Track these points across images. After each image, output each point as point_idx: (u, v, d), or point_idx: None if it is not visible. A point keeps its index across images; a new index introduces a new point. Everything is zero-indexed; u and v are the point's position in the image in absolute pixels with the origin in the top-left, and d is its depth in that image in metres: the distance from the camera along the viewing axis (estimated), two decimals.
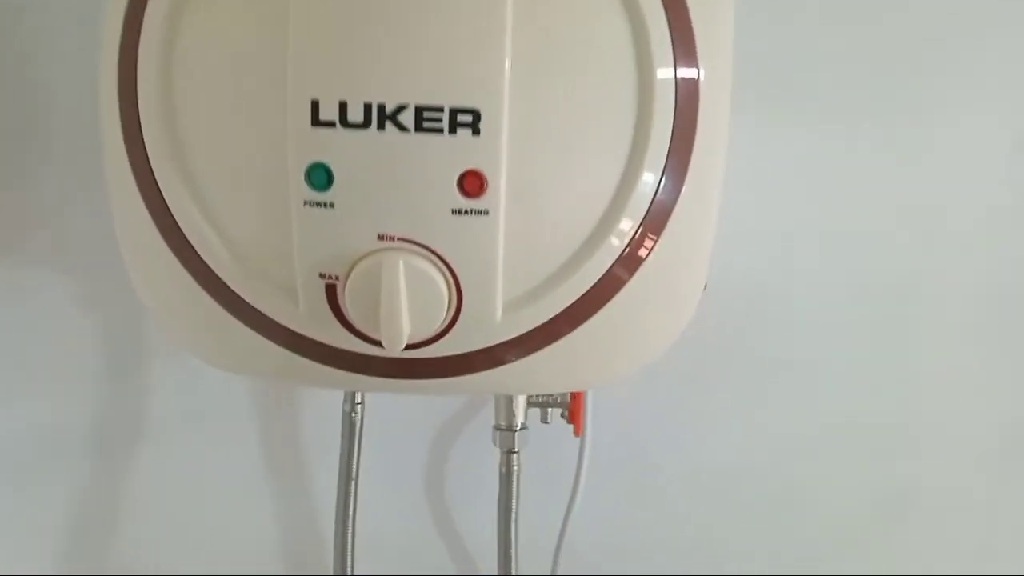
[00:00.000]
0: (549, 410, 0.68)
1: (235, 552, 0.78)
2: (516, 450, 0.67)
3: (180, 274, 0.47)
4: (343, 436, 0.69)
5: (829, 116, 0.72)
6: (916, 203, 0.73)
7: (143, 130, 0.45)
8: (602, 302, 0.47)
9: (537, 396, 0.68)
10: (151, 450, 0.77)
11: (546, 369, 0.49)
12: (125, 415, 0.77)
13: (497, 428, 0.67)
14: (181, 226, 0.45)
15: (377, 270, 0.43)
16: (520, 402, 0.67)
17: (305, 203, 0.43)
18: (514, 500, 0.68)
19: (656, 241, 0.46)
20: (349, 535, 0.69)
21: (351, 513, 0.69)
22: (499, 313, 0.45)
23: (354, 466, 0.69)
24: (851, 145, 0.73)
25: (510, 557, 0.69)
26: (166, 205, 0.45)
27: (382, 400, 0.74)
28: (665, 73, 0.44)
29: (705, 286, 0.53)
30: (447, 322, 0.45)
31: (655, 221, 0.46)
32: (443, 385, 0.48)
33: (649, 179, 0.44)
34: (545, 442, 0.71)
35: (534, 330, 0.47)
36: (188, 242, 0.46)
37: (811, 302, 0.76)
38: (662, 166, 0.44)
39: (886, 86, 0.71)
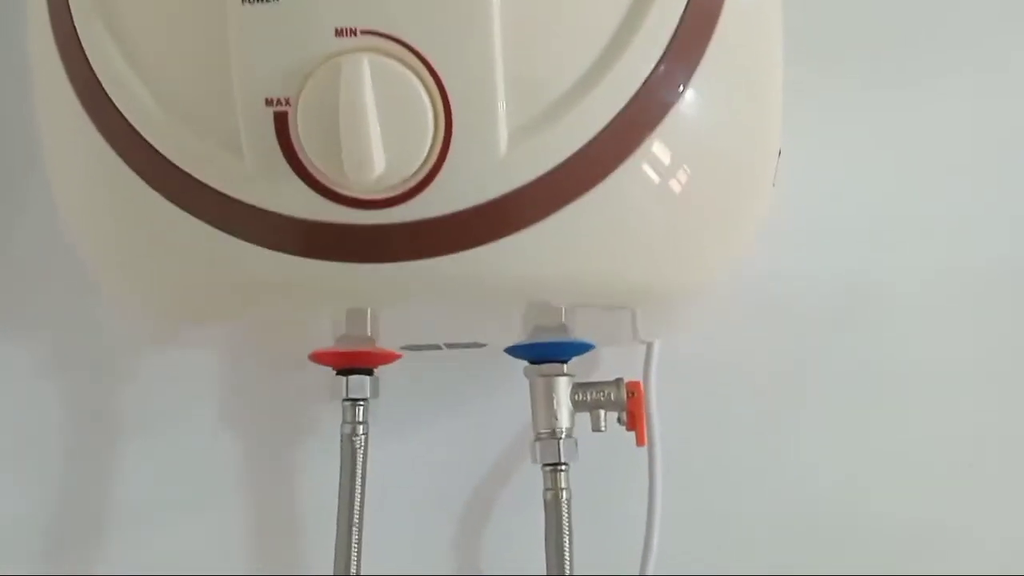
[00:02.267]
0: (602, 413, 0.53)
1: None
2: (563, 464, 0.51)
3: (97, 145, 0.36)
4: (342, 467, 0.54)
5: (925, 87, 0.63)
6: None
7: None
8: (646, 128, 0.34)
9: (584, 394, 0.53)
10: (111, 549, 0.62)
11: (575, 244, 0.36)
12: (82, 508, 0.63)
13: (537, 438, 0.52)
14: (96, 70, 0.36)
15: (335, 76, 0.32)
16: (563, 400, 0.52)
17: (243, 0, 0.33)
18: (566, 535, 0.51)
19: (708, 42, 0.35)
20: None
21: (354, 559, 0.52)
22: (503, 143, 0.34)
23: (356, 503, 0.53)
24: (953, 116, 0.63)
25: None
26: (80, 47, 0.36)
27: (390, 416, 0.60)
28: None
29: (779, 152, 0.41)
30: (434, 154, 0.33)
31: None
32: (434, 274, 0.35)
33: None
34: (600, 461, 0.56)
35: (555, 172, 0.34)
36: (104, 93, 0.36)
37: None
38: None
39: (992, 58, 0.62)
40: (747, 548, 0.59)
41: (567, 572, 0.51)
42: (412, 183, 0.33)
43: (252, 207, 0.35)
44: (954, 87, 0.63)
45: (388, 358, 0.54)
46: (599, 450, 0.56)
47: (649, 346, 0.58)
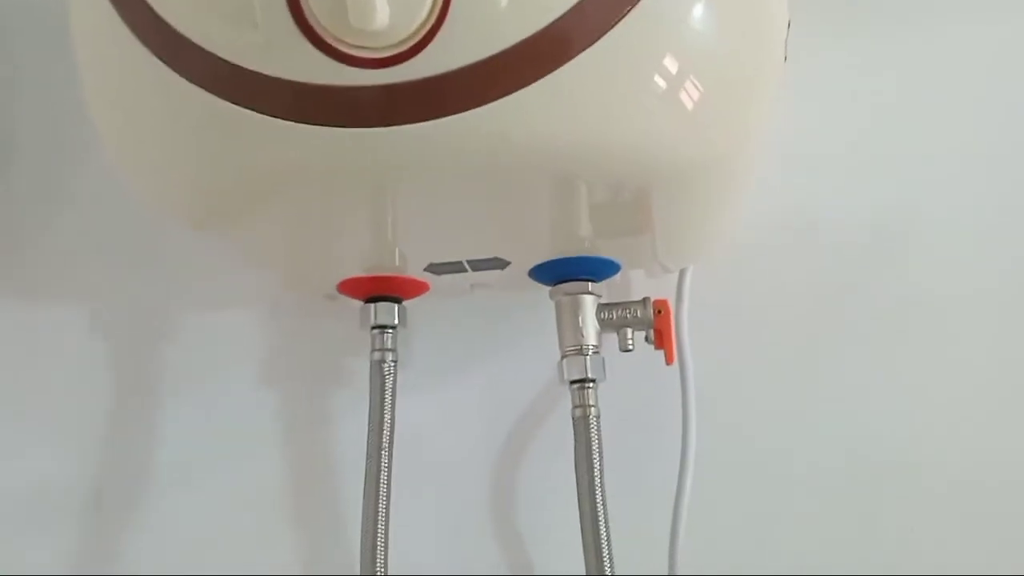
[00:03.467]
0: (629, 331, 0.52)
1: None
2: (590, 380, 0.51)
3: (111, 21, 0.38)
4: (372, 395, 0.54)
5: (953, 19, 0.62)
6: None
7: None
8: None
9: (610, 313, 0.52)
10: (153, 504, 0.63)
11: (581, 101, 0.36)
12: (126, 462, 0.64)
13: (563, 356, 0.52)
14: None
15: None
16: (589, 318, 0.52)
17: None
18: (596, 453, 0.50)
19: None
20: (380, 526, 0.51)
21: (383, 497, 0.52)
22: None
23: (385, 432, 0.53)
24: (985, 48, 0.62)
25: (600, 541, 0.49)
26: None
27: (421, 365, 0.60)
28: None
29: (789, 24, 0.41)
30: (437, 6, 0.34)
31: None
32: (443, 136, 0.36)
33: None
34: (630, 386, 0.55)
35: (557, 24, 0.35)
36: None
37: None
38: None
39: None
40: (780, 472, 0.58)
41: (597, 492, 0.50)
42: (416, 39, 0.34)
43: (265, 76, 0.36)
44: (985, 16, 0.62)
45: (415, 288, 0.54)
46: (631, 377, 0.56)
47: (681, 273, 0.57)
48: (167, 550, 0.61)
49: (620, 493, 0.52)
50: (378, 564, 0.51)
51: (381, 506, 0.51)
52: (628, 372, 0.55)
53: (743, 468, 0.58)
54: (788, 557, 0.57)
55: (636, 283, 0.59)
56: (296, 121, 0.37)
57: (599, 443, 0.50)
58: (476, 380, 0.62)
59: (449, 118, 0.36)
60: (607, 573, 0.49)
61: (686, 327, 0.57)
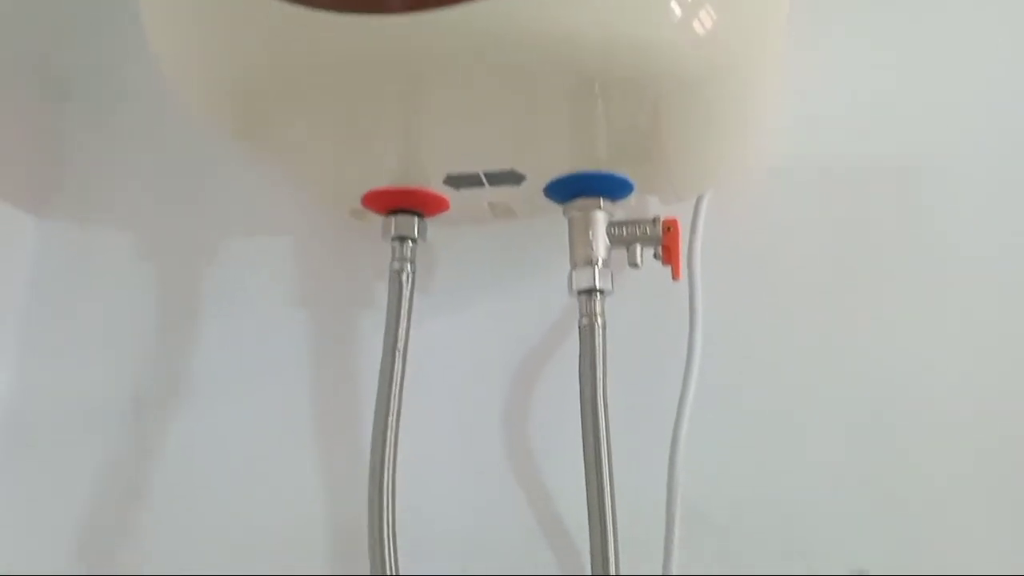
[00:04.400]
0: (638, 247, 0.54)
1: (273, 516, 0.63)
2: (598, 289, 0.53)
3: None
4: (389, 303, 0.57)
5: None
6: None
7: None
8: None
9: (621, 229, 0.54)
10: (189, 414, 0.67)
11: None
12: (165, 377, 0.68)
13: (573, 267, 0.54)
14: None
15: None
16: (600, 232, 0.53)
17: None
18: (599, 364, 0.52)
19: None
20: (390, 438, 0.54)
21: (394, 409, 0.54)
22: None
23: (400, 339, 0.56)
24: None
25: (600, 458, 0.51)
26: None
27: (437, 293, 0.63)
28: None
29: None
30: None
31: None
32: (466, 22, 0.39)
33: None
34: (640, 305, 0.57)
35: None
36: None
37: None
38: None
39: None
40: (783, 404, 0.58)
41: (600, 400, 0.51)
42: None
43: None
44: None
45: (435, 203, 0.57)
46: (640, 300, 0.57)
47: (698, 201, 0.59)
48: (199, 456, 0.65)
49: (623, 410, 0.54)
50: (387, 459, 0.53)
51: (393, 406, 0.54)
52: (637, 294, 0.58)
53: (745, 392, 0.58)
54: (789, 489, 0.57)
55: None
56: (325, 9, 0.39)
57: (603, 353, 0.52)
58: (493, 306, 0.64)
59: (475, 4, 0.38)
60: (605, 483, 0.50)
61: (699, 257, 0.58)
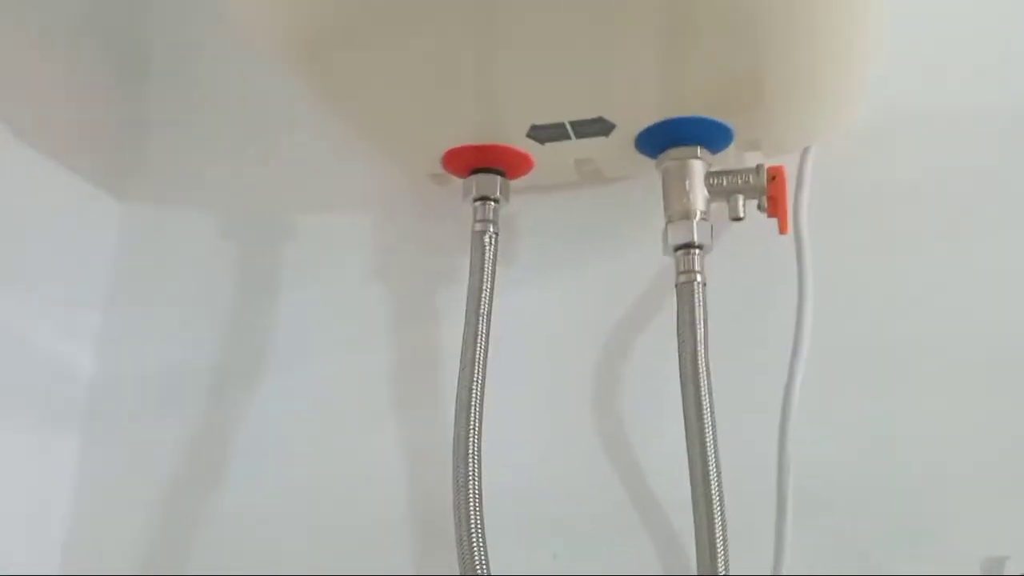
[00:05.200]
0: (740, 199, 0.50)
1: (355, 492, 0.60)
2: (696, 245, 0.48)
3: None
4: (472, 264, 0.54)
5: None
6: None
7: None
8: None
9: (720, 180, 0.50)
10: (270, 389, 0.65)
11: None
12: (246, 353, 0.67)
13: (668, 221, 0.50)
14: None
15: None
16: (697, 183, 0.49)
17: None
18: (700, 323, 0.48)
19: None
20: (475, 406, 0.50)
21: (478, 377, 0.51)
22: None
23: (484, 301, 0.52)
24: None
25: (704, 429, 0.46)
26: None
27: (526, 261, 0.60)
28: None
29: None
30: None
31: None
32: None
33: None
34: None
35: None
36: None
37: None
38: None
39: None
40: (899, 359, 0.53)
41: (700, 360, 0.47)
42: None
43: None
44: None
45: (518, 161, 0.53)
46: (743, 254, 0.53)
47: (804, 152, 0.54)
48: (279, 432, 0.63)
49: (726, 379, 0.50)
50: (472, 430, 0.50)
51: (477, 373, 0.51)
52: (736, 251, 0.53)
53: (860, 353, 0.53)
54: (912, 463, 0.52)
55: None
56: None
57: (703, 310, 0.48)
58: (580, 274, 0.61)
59: None
60: (709, 455, 0.46)
61: (805, 211, 0.53)
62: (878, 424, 0.53)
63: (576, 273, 0.61)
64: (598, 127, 0.50)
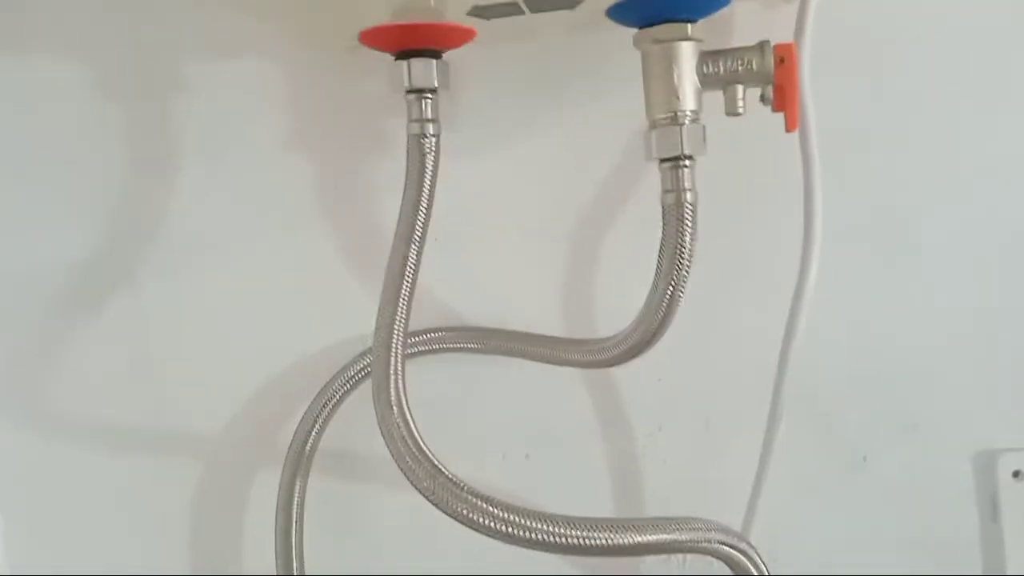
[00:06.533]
0: (739, 89, 0.40)
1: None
2: (686, 157, 0.39)
3: None
4: (408, 175, 0.44)
5: None
6: None
7: None
8: None
9: (716, 65, 0.39)
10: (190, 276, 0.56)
11: None
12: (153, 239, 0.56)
13: (652, 126, 0.40)
14: None
15: None
16: (687, 73, 0.39)
17: None
18: (686, 248, 0.40)
19: None
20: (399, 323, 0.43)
21: (404, 298, 0.43)
22: None
23: (419, 222, 0.43)
24: None
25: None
26: None
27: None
28: None
29: None
30: None
31: None
32: None
33: None
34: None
35: None
36: None
37: None
38: None
39: None
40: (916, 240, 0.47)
41: (672, 293, 0.40)
42: None
43: None
44: None
45: (457, 35, 0.42)
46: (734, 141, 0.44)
47: (803, 1, 0.43)
48: (202, 327, 0.56)
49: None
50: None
51: (400, 315, 0.43)
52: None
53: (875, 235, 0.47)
54: (921, 332, 0.48)
55: (742, 21, 0.45)
56: None
57: (692, 238, 0.40)
58: (544, 142, 0.51)
59: None
60: None
61: (807, 73, 0.44)
62: (875, 316, 0.48)
63: (540, 133, 0.51)
64: (561, 1, 0.38)
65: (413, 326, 0.45)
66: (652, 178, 0.40)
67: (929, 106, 0.48)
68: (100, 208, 0.56)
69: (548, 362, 0.50)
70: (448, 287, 0.53)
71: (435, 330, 0.53)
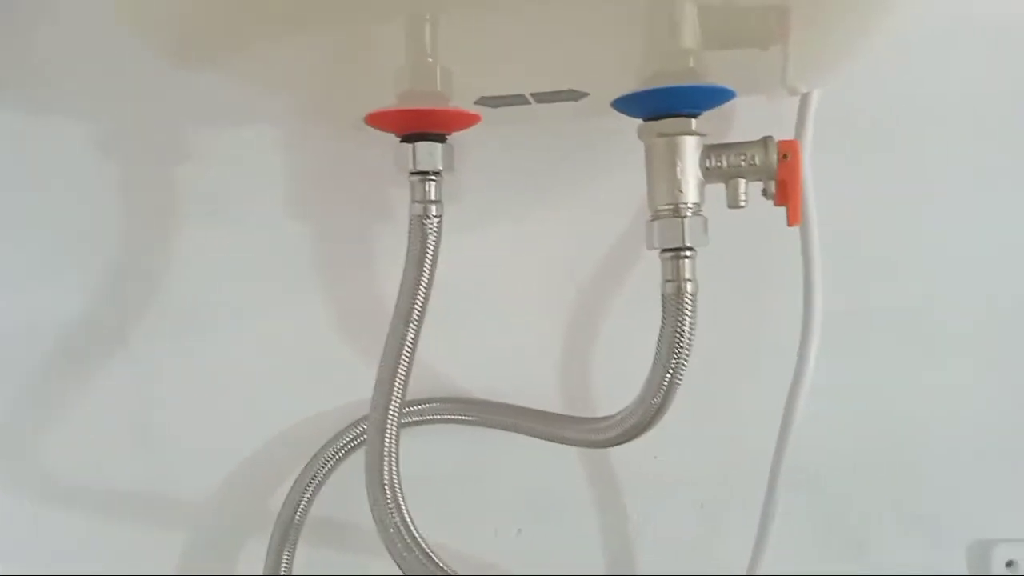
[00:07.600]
0: (742, 183, 0.40)
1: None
2: (687, 249, 0.40)
3: None
4: (409, 254, 0.44)
5: None
6: None
7: None
8: None
9: (719, 159, 0.40)
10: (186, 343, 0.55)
11: None
12: (150, 301, 0.56)
13: (654, 217, 0.40)
14: None
15: None
16: (690, 166, 0.39)
17: None
18: (686, 337, 0.40)
19: None
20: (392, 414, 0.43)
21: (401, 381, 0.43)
22: None
23: (419, 299, 0.43)
24: None
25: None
26: None
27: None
28: None
29: None
30: None
31: None
32: None
33: None
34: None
35: None
36: None
37: None
38: None
39: None
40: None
41: (670, 380, 0.40)
42: None
43: None
44: None
45: (462, 120, 0.42)
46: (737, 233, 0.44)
47: (804, 98, 0.44)
48: (196, 393, 0.55)
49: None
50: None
51: (396, 395, 0.43)
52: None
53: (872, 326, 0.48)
54: (918, 422, 0.48)
55: (741, 112, 0.46)
56: None
57: (691, 326, 0.40)
58: (546, 216, 0.51)
59: None
60: None
61: (809, 169, 0.44)
62: (875, 401, 0.48)
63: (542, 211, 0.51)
64: (566, 96, 0.38)
65: (409, 396, 0.44)
66: (652, 256, 0.41)
67: (928, 196, 0.48)
68: (97, 271, 0.56)
69: (543, 438, 0.50)
70: (446, 358, 0.53)
71: (431, 400, 0.52)
